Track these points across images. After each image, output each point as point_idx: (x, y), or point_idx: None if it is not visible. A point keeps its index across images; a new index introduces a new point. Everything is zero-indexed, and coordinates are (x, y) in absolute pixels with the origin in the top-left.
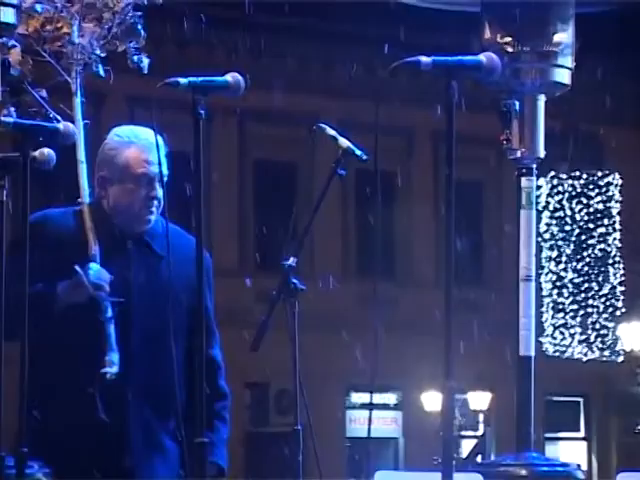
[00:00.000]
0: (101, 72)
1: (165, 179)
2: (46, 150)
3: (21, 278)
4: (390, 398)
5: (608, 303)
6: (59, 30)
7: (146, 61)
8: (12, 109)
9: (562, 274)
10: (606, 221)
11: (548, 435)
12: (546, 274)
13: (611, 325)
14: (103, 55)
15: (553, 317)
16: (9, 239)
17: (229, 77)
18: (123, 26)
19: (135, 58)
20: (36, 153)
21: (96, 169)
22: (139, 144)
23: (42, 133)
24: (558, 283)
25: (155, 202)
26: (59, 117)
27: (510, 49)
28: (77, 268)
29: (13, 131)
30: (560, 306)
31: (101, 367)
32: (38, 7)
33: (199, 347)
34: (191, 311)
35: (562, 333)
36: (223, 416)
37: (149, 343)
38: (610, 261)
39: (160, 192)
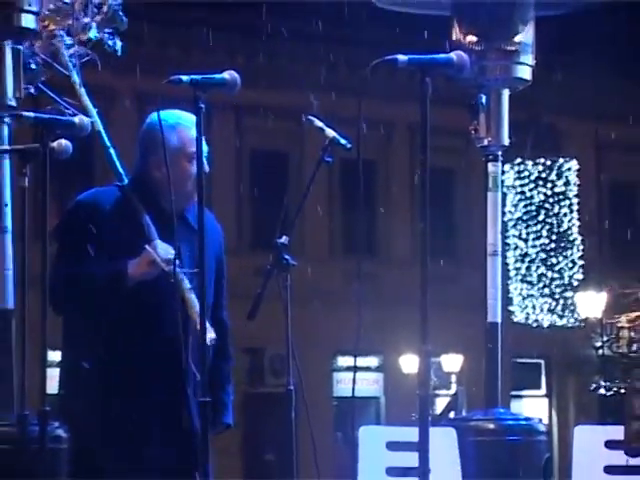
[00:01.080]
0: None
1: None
2: (63, 141)
3: (82, 257)
4: (372, 361)
5: (567, 275)
6: (48, 29)
7: (119, 44)
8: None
9: (527, 250)
10: (565, 202)
11: (513, 393)
12: (513, 249)
13: (570, 295)
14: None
15: (520, 288)
16: (55, 222)
17: (226, 75)
18: (106, 15)
19: (110, 42)
20: (54, 144)
21: (142, 152)
22: (187, 125)
23: (59, 126)
24: (524, 258)
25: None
26: (74, 111)
27: (477, 48)
28: (147, 247)
29: (33, 125)
30: (526, 278)
31: (187, 334)
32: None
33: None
34: (216, 274)
35: (527, 302)
36: (230, 379)
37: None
38: (569, 238)
39: (207, 168)
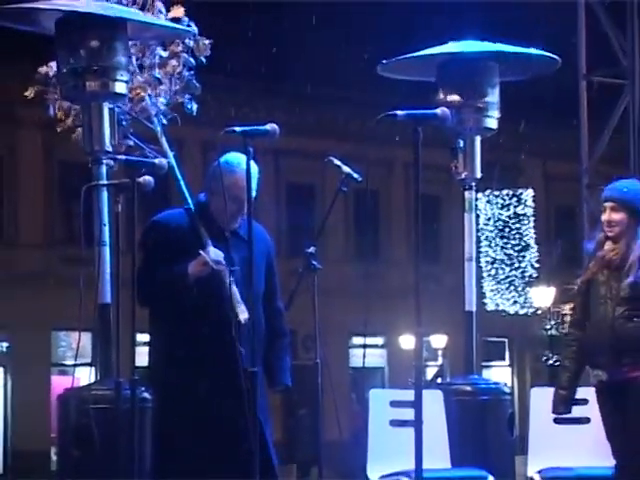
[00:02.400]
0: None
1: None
2: (147, 177)
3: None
4: (378, 340)
5: (525, 275)
6: (137, 93)
7: (195, 106)
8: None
9: (495, 256)
10: (524, 220)
11: (484, 364)
12: (485, 256)
13: (527, 289)
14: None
15: (490, 285)
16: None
17: (269, 127)
18: (182, 83)
19: (188, 106)
20: (140, 180)
21: (207, 183)
22: (240, 172)
23: (144, 166)
24: (493, 262)
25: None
26: (155, 155)
27: (456, 105)
28: (202, 252)
29: (125, 165)
30: (495, 277)
31: (235, 316)
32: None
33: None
34: (266, 274)
35: (496, 295)
36: (287, 350)
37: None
38: (527, 247)
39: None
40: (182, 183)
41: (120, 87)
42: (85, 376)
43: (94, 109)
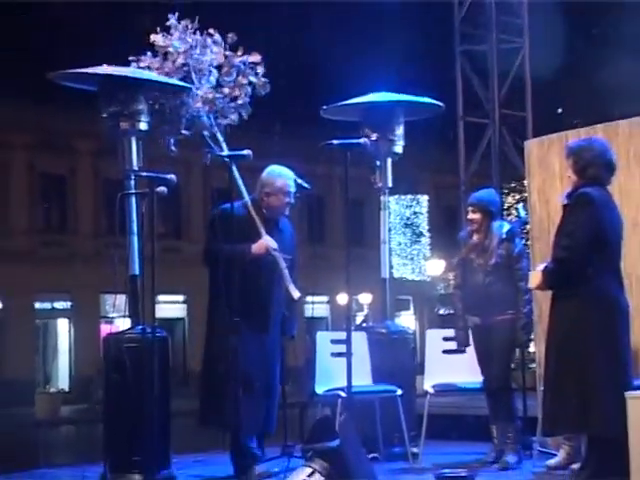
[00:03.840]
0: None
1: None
2: (162, 188)
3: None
4: (323, 298)
5: (421, 253)
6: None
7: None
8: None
9: (401, 240)
10: (421, 216)
11: (396, 313)
12: (394, 241)
13: (423, 262)
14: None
15: (399, 260)
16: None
17: (245, 152)
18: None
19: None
20: (157, 189)
21: (260, 186)
22: (286, 176)
23: (160, 180)
24: (400, 245)
25: (289, 206)
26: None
27: (374, 137)
28: (265, 237)
29: (147, 179)
30: (401, 255)
31: (287, 292)
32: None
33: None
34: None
35: (402, 267)
36: (295, 308)
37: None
38: (422, 234)
39: (292, 201)
40: (240, 182)
41: (143, 125)
42: (122, 324)
43: (125, 142)
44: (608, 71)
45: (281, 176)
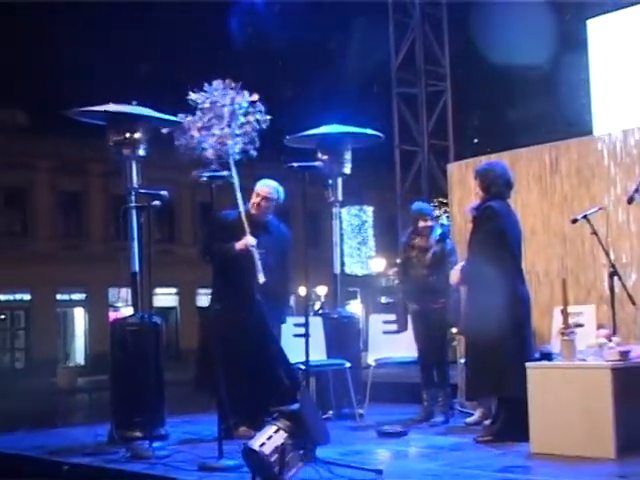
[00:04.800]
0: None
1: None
2: (157, 202)
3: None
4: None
5: (368, 252)
6: (223, 141)
7: (254, 154)
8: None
9: (352, 244)
10: (367, 224)
11: (346, 302)
12: (345, 243)
13: (369, 260)
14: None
15: (349, 259)
16: (206, 229)
17: (225, 173)
18: (248, 139)
19: (251, 152)
20: (153, 203)
21: (253, 194)
22: (267, 185)
23: (155, 196)
24: (350, 247)
25: (271, 209)
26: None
27: (327, 160)
28: (246, 237)
29: (144, 195)
30: (351, 255)
31: (257, 279)
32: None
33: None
34: (282, 255)
35: (352, 265)
36: (288, 291)
37: (267, 269)
38: (367, 239)
39: (274, 205)
40: (239, 195)
41: (142, 152)
42: (126, 311)
43: (127, 165)
44: (514, 109)
45: (267, 185)
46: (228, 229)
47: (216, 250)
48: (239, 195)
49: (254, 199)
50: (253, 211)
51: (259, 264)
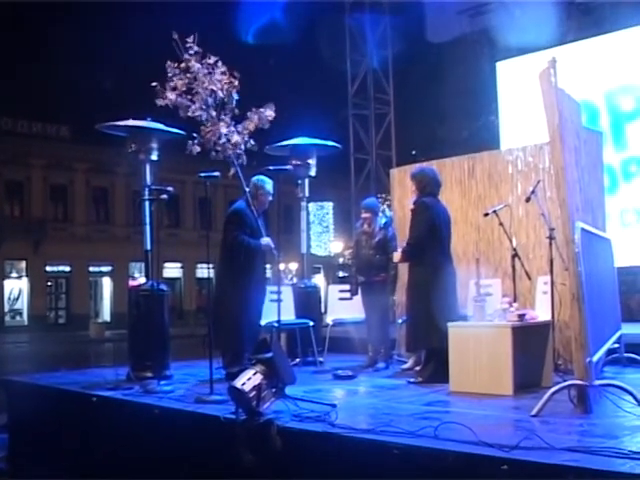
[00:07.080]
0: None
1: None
2: (164, 195)
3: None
4: (267, 266)
5: (328, 237)
6: (234, 144)
7: (256, 147)
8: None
9: (316, 230)
10: (327, 216)
11: (312, 275)
12: (312, 230)
13: (329, 244)
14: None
15: (314, 242)
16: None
17: (216, 173)
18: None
19: (253, 148)
20: (161, 196)
21: (253, 188)
22: (269, 182)
23: (163, 190)
24: (315, 233)
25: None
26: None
27: (298, 164)
28: (268, 238)
29: (155, 190)
30: (317, 239)
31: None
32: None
33: None
34: None
35: (317, 247)
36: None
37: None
38: (329, 227)
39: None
40: (247, 189)
41: (154, 157)
42: (141, 280)
43: (142, 167)
44: (442, 128)
45: (266, 181)
46: (249, 226)
47: (247, 244)
48: (247, 190)
49: (262, 194)
50: (256, 205)
51: (276, 254)
